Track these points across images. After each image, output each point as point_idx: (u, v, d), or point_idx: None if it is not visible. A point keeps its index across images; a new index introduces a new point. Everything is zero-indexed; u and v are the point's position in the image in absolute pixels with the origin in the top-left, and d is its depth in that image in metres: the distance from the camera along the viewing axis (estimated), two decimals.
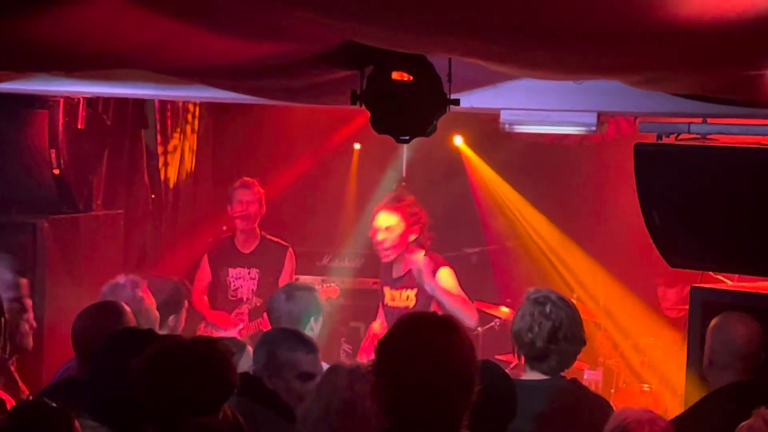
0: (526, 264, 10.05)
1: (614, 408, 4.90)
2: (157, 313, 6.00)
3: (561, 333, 4.96)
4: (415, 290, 7.70)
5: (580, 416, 4.89)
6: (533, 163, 10.02)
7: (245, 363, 5.58)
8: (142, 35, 3.84)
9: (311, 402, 4.40)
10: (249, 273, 8.41)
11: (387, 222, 7.63)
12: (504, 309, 9.16)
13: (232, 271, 8.42)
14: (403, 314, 3.48)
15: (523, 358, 5.05)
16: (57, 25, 3.60)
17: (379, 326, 8.03)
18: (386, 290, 7.95)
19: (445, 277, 7.56)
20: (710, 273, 7.57)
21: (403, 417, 3.26)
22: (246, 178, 8.48)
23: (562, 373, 5.02)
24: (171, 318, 6.39)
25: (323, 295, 8.39)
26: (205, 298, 8.47)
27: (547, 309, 4.99)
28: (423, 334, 3.30)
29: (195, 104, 9.50)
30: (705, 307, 5.88)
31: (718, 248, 5.94)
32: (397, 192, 7.88)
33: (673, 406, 8.10)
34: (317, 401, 4.36)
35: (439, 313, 3.53)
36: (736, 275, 7.38)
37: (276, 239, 8.55)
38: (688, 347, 6.03)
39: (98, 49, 4.07)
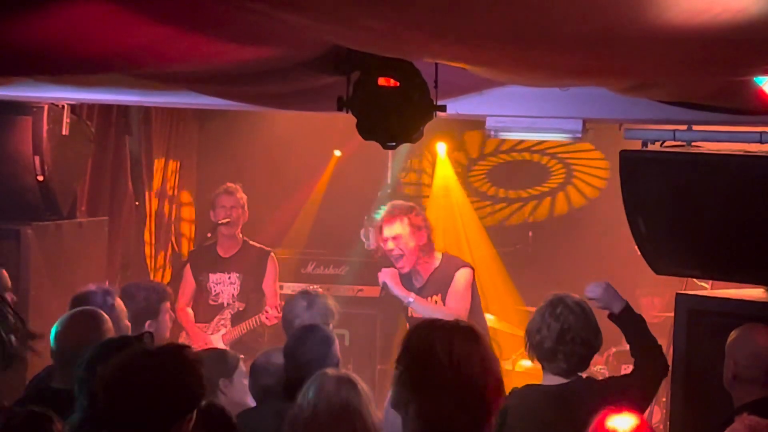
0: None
1: None
2: (128, 322, 5.97)
3: (569, 335, 5.03)
4: (439, 295, 7.51)
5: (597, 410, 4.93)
6: (512, 170, 10.05)
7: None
8: (126, 39, 3.82)
9: (298, 406, 4.39)
10: (229, 278, 8.41)
11: (393, 232, 7.46)
12: (489, 316, 9.15)
13: (212, 276, 8.43)
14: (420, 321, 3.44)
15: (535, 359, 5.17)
16: (41, 29, 3.58)
17: None
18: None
19: (458, 279, 7.40)
20: (693, 280, 7.62)
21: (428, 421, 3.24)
22: (229, 184, 8.49)
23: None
24: (148, 323, 6.36)
25: (268, 323, 8.42)
26: (190, 310, 8.46)
27: (558, 311, 5.08)
28: (440, 341, 3.27)
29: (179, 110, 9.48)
30: (690, 314, 5.87)
31: (704, 255, 5.93)
32: (396, 203, 7.71)
33: (658, 415, 8.12)
34: (305, 406, 4.35)
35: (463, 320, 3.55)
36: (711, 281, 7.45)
37: (257, 244, 8.54)
38: (673, 354, 6.02)
39: (82, 54, 4.05)
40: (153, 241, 9.55)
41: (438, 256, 7.56)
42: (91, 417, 4.01)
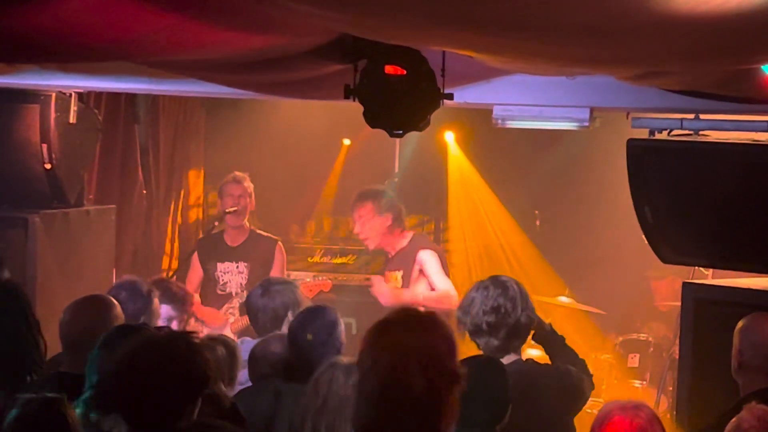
0: (475, 265, 10.06)
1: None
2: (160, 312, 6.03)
3: (499, 312, 5.15)
4: (401, 272, 8.07)
5: (533, 392, 5.04)
6: (522, 153, 10.00)
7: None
8: (134, 27, 3.83)
9: (308, 397, 4.40)
10: (237, 267, 8.41)
11: (358, 215, 8.14)
12: None
13: (220, 266, 8.43)
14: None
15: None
16: (49, 18, 3.59)
17: None
18: (385, 274, 8.25)
19: (426, 262, 7.92)
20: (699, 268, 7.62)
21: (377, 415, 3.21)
22: (237, 173, 8.49)
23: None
24: (142, 318, 6.37)
25: (315, 289, 8.41)
26: (197, 295, 8.46)
27: (489, 292, 5.21)
28: (395, 330, 3.23)
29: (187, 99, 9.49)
30: (697, 303, 5.88)
31: (711, 244, 5.93)
32: (364, 189, 8.29)
33: (663, 402, 8.12)
34: (314, 397, 4.36)
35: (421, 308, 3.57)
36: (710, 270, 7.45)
37: (265, 233, 8.55)
38: (680, 343, 6.03)
39: (90, 42, 4.06)
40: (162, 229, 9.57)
41: (408, 235, 8.16)
42: (99, 399, 4.05)
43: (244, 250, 8.43)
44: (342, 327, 5.36)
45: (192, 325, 8.25)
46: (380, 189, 8.32)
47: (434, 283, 7.86)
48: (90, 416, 4.06)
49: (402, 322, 3.22)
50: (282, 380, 5.02)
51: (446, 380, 3.15)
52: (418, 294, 7.81)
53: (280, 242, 8.54)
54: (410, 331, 3.18)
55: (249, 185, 8.44)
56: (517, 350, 5.27)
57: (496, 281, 5.29)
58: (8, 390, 4.73)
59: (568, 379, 5.23)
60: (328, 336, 5.20)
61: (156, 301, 5.98)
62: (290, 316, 6.09)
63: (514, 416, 4.68)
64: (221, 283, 8.43)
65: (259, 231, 8.54)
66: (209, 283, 8.42)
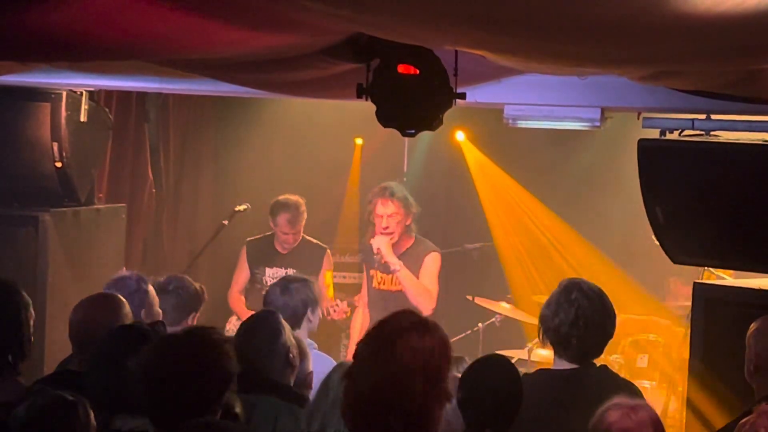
0: (526, 260, 10.02)
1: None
2: (159, 309, 5.98)
3: (582, 320, 4.98)
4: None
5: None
6: (538, 152, 9.98)
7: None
8: (146, 26, 3.83)
9: (317, 399, 4.40)
10: (286, 272, 8.45)
11: (388, 210, 8.18)
12: (504, 305, 9.15)
13: (269, 271, 8.52)
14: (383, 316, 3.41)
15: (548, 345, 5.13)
16: (61, 17, 3.59)
17: (361, 317, 8.53)
18: (375, 274, 8.35)
19: (429, 262, 8.19)
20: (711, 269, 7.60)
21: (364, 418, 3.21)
22: (291, 204, 8.46)
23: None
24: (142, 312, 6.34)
25: (335, 316, 8.44)
26: (242, 297, 8.55)
27: (573, 296, 5.02)
28: (392, 337, 3.22)
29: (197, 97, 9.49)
30: (708, 303, 5.87)
31: (722, 245, 5.92)
32: (387, 184, 8.34)
33: (674, 405, 8.10)
34: (323, 398, 4.36)
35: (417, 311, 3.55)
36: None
37: (314, 240, 8.64)
38: (690, 344, 6.02)
39: (103, 41, 4.06)
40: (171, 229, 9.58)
41: (413, 237, 8.32)
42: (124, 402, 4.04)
43: (294, 256, 8.54)
44: (286, 334, 5.24)
45: (233, 324, 8.28)
46: (405, 192, 8.40)
47: (425, 282, 8.13)
48: (114, 420, 4.06)
49: (413, 329, 3.21)
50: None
51: (441, 394, 3.17)
52: (408, 273, 8.08)
53: (328, 250, 8.67)
54: (420, 339, 3.18)
55: (304, 210, 8.51)
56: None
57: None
58: None
59: None
60: (270, 349, 5.03)
61: (150, 289, 5.94)
62: (309, 314, 6.10)
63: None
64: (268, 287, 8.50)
65: (308, 238, 8.62)
66: (254, 285, 8.49)
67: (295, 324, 5.92)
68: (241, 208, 8.49)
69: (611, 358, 8.68)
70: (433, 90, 4.77)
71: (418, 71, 4.74)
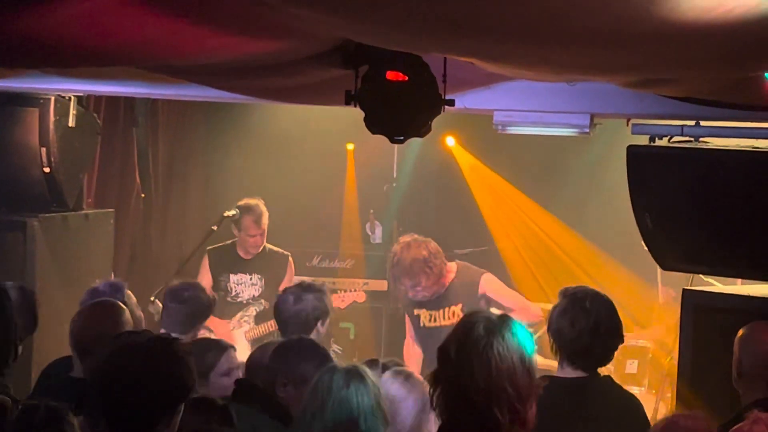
0: (520, 263, 10.01)
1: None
2: (140, 312, 5.98)
3: (602, 327, 4.92)
4: (460, 305, 7.62)
5: (611, 414, 4.91)
6: (528, 156, 9.97)
7: (224, 363, 5.56)
8: (134, 32, 3.82)
9: (307, 402, 4.39)
10: (251, 279, 8.46)
11: (415, 284, 7.63)
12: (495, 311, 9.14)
13: (233, 277, 8.51)
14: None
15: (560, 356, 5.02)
16: (50, 22, 3.58)
17: (412, 352, 7.92)
18: (420, 312, 7.80)
19: (494, 282, 7.76)
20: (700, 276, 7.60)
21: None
22: (253, 206, 8.42)
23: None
24: None
25: (349, 300, 8.36)
26: None
27: (587, 304, 4.94)
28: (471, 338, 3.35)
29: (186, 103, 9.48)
30: (697, 310, 5.87)
31: (711, 251, 5.92)
32: (412, 258, 7.63)
33: (664, 410, 8.10)
34: (312, 402, 4.35)
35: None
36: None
37: (276, 248, 8.60)
38: (679, 350, 6.02)
39: (91, 46, 4.05)
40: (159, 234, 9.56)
41: (452, 267, 7.73)
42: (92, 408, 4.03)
43: (258, 262, 8.49)
44: (230, 353, 5.35)
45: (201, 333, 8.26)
46: (425, 254, 7.62)
47: (510, 302, 7.67)
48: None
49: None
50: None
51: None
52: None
53: (290, 257, 8.59)
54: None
55: (266, 220, 8.42)
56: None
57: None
58: None
59: None
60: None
61: (128, 294, 5.91)
62: (319, 326, 6.08)
63: None
64: (233, 293, 8.47)
65: (270, 246, 8.57)
66: (218, 292, 8.44)
67: (306, 333, 5.91)
68: (230, 213, 8.47)
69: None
70: (421, 97, 4.76)
71: (406, 78, 4.73)
